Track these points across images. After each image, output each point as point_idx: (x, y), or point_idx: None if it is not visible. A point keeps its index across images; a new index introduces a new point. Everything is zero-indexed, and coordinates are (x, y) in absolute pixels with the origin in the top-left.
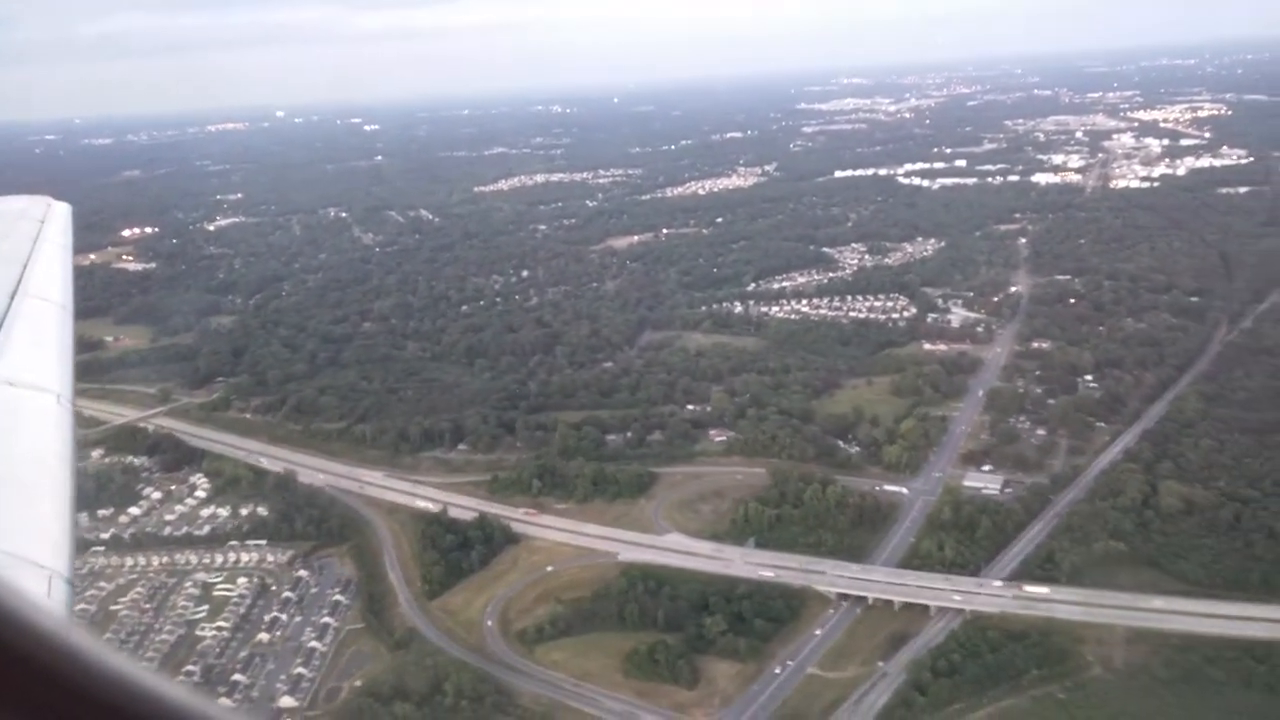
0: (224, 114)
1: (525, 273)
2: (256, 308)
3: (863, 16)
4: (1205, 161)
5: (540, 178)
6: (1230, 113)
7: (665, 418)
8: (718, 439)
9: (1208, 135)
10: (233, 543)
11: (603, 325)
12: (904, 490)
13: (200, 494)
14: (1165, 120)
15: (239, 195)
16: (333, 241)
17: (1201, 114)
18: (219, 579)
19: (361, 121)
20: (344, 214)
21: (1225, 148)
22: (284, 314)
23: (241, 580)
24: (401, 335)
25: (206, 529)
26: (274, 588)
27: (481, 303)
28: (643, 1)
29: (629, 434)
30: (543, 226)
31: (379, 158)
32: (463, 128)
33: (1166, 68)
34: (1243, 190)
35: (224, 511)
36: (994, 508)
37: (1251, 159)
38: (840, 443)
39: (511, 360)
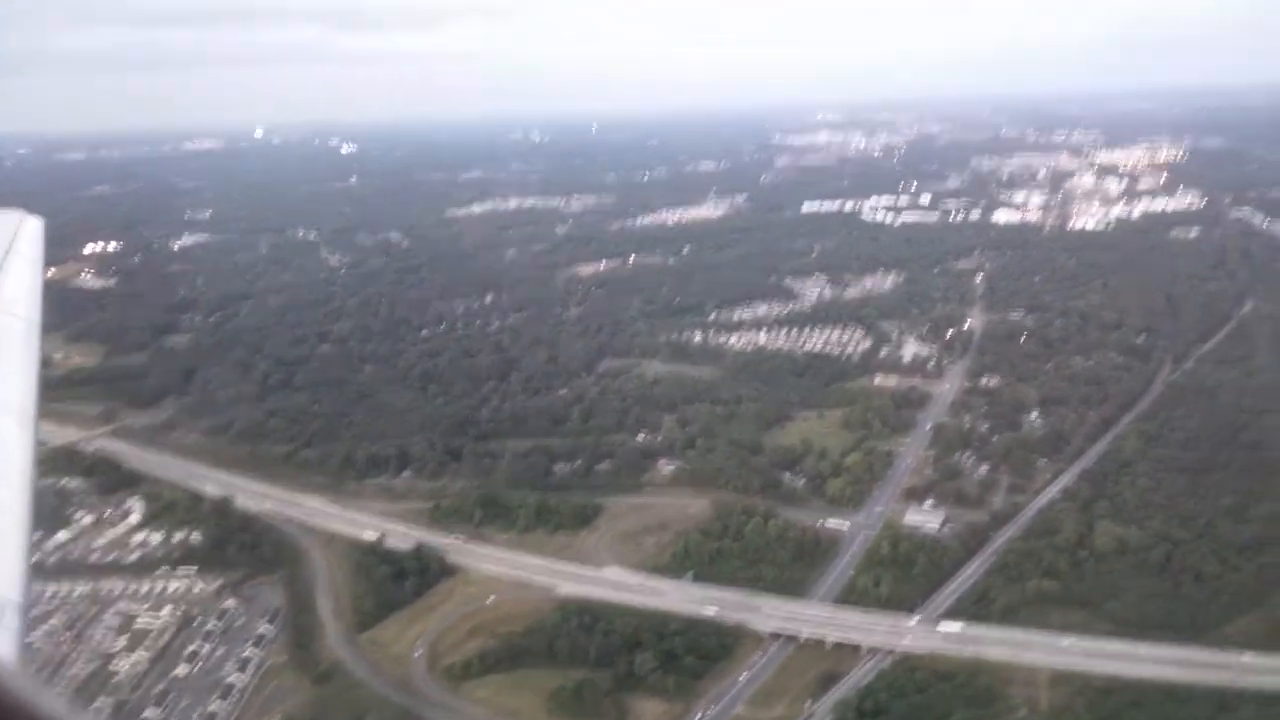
0: (201, 132)
1: (489, 297)
2: (214, 327)
3: (841, 55)
4: (1160, 204)
5: (513, 203)
6: (1187, 157)
7: (615, 447)
8: (666, 469)
9: (1163, 178)
10: (162, 570)
11: (561, 352)
12: (846, 524)
13: (134, 519)
14: (1125, 162)
15: (208, 213)
16: (299, 262)
17: (1159, 157)
18: (142, 609)
19: (340, 142)
20: (313, 235)
21: (1179, 190)
22: (241, 334)
23: (166, 610)
24: (358, 358)
25: (136, 556)
26: (199, 618)
27: (442, 327)
28: (626, 33)
29: (577, 463)
30: (511, 251)
31: (354, 179)
32: (440, 151)
33: (1130, 112)
34: (1193, 233)
35: (156, 537)
36: (932, 544)
37: (1204, 202)
38: (787, 475)
39: (466, 386)
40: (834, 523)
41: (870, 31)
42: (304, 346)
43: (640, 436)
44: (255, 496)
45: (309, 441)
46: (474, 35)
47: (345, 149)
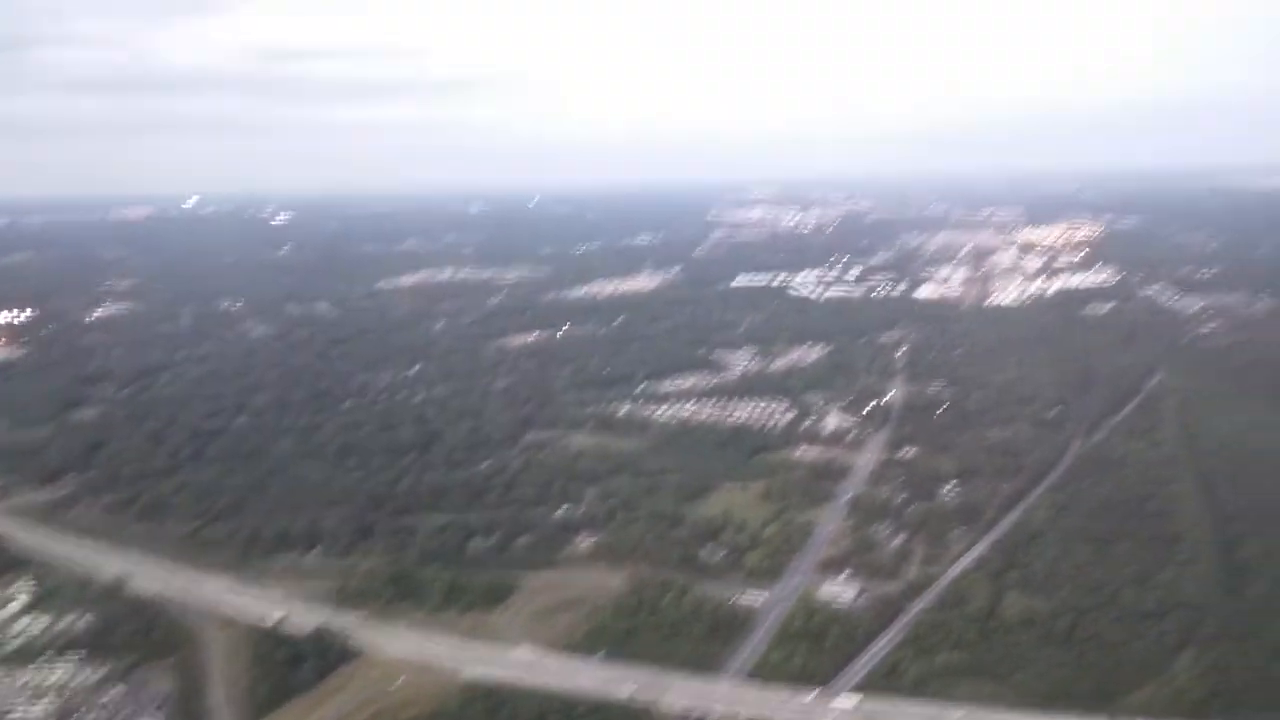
0: (131, 200)
1: (415, 368)
2: (126, 400)
3: (779, 133)
4: (1076, 280)
5: (446, 274)
6: (1103, 236)
7: (533, 521)
8: (585, 543)
9: (1080, 256)
10: (44, 659)
11: (485, 424)
12: (762, 597)
13: (18, 604)
14: (1044, 240)
15: (131, 283)
16: (221, 333)
17: (1077, 236)
18: (18, 701)
19: (274, 212)
20: (239, 305)
21: (1094, 267)
22: (155, 407)
23: (44, 702)
24: (276, 431)
25: (18, 643)
26: (80, 710)
27: (365, 399)
28: (570, 108)
29: (494, 538)
30: (441, 322)
31: (286, 249)
32: (378, 222)
33: (1052, 191)
34: (1106, 308)
35: (41, 623)
36: (845, 617)
37: (1117, 279)
38: (706, 548)
39: (385, 459)
40: (750, 596)
41: (807, 110)
42: (219, 419)
43: (561, 510)
44: (154, 577)
45: (216, 518)
46: (417, 108)
47: (279, 219)
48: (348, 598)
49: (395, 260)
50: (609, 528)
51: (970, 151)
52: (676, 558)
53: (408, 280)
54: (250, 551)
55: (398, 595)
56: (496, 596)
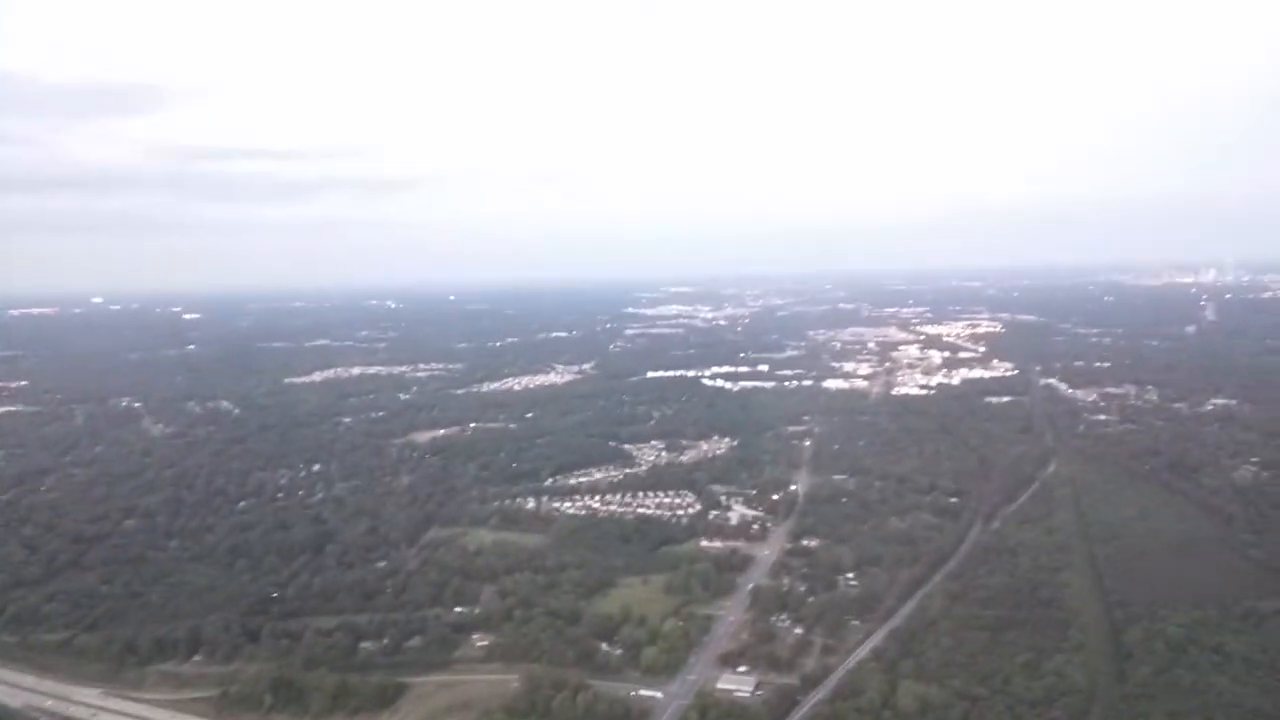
0: (35, 299)
1: (317, 466)
2: (6, 505)
3: (697, 231)
4: (977, 373)
5: (357, 370)
6: (1004, 330)
7: (427, 622)
8: (480, 644)
9: (982, 349)
10: None
11: (384, 522)
12: (659, 695)
13: None
14: (948, 335)
15: (23, 383)
16: (116, 433)
17: (979, 330)
18: None
19: (182, 310)
20: (137, 404)
21: (995, 361)
22: (35, 511)
23: None
24: (164, 534)
25: None
26: None
27: (262, 498)
28: (491, 206)
29: (385, 640)
30: (347, 419)
31: (191, 347)
32: (290, 320)
33: (956, 288)
34: (1005, 399)
35: None
36: (741, 712)
37: (1016, 371)
38: (604, 645)
39: (276, 560)
40: (647, 693)
41: (724, 209)
42: (104, 523)
43: (458, 609)
44: (18, 690)
45: (91, 626)
46: (339, 207)
47: (189, 316)
48: (229, 705)
49: (305, 357)
50: (504, 627)
51: (882, 250)
52: (573, 656)
53: (316, 377)
54: (126, 660)
55: (281, 701)
56: (385, 700)
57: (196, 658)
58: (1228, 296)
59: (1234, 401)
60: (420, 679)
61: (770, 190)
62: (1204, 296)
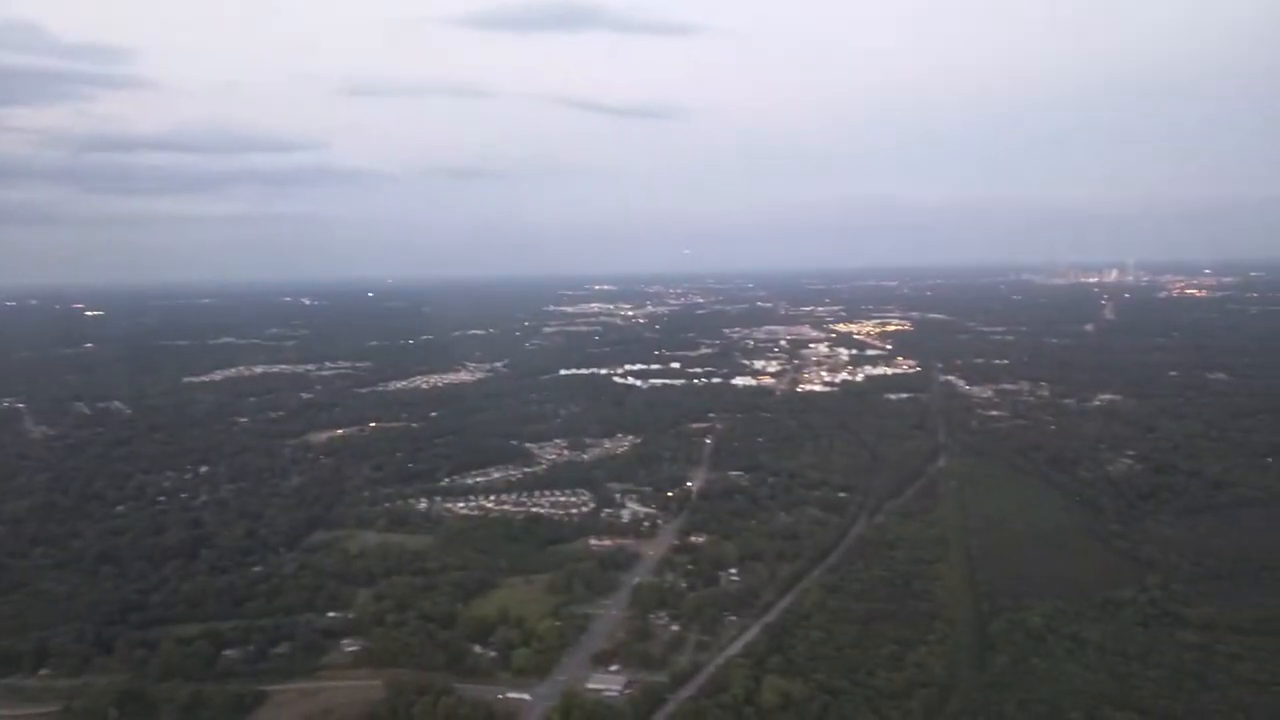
0: None
1: (204, 468)
2: None
3: (623, 228)
4: (881, 370)
5: (260, 369)
6: (912, 328)
7: (297, 627)
8: (349, 649)
9: (889, 347)
10: None
11: (267, 525)
12: (527, 697)
13: None
14: (859, 333)
15: None
16: None
17: (889, 328)
18: None
19: (85, 307)
20: (20, 405)
21: (900, 358)
22: None
23: None
24: (30, 540)
25: None
26: None
27: (141, 502)
28: (417, 199)
29: (250, 648)
30: (244, 419)
31: (89, 345)
32: (197, 316)
33: (874, 287)
34: (904, 396)
35: None
36: (606, 711)
37: (918, 368)
38: (478, 647)
39: (145, 566)
40: (515, 695)
41: (651, 208)
42: None
43: (330, 614)
44: None
45: None
46: (254, 201)
47: (91, 313)
48: None
49: (208, 355)
50: (375, 632)
51: (808, 251)
52: (443, 660)
53: (217, 376)
54: None
55: (128, 715)
56: (241, 709)
57: (44, 671)
58: (1127, 296)
59: (1119, 397)
60: (281, 686)
61: (702, 192)
62: (1104, 296)
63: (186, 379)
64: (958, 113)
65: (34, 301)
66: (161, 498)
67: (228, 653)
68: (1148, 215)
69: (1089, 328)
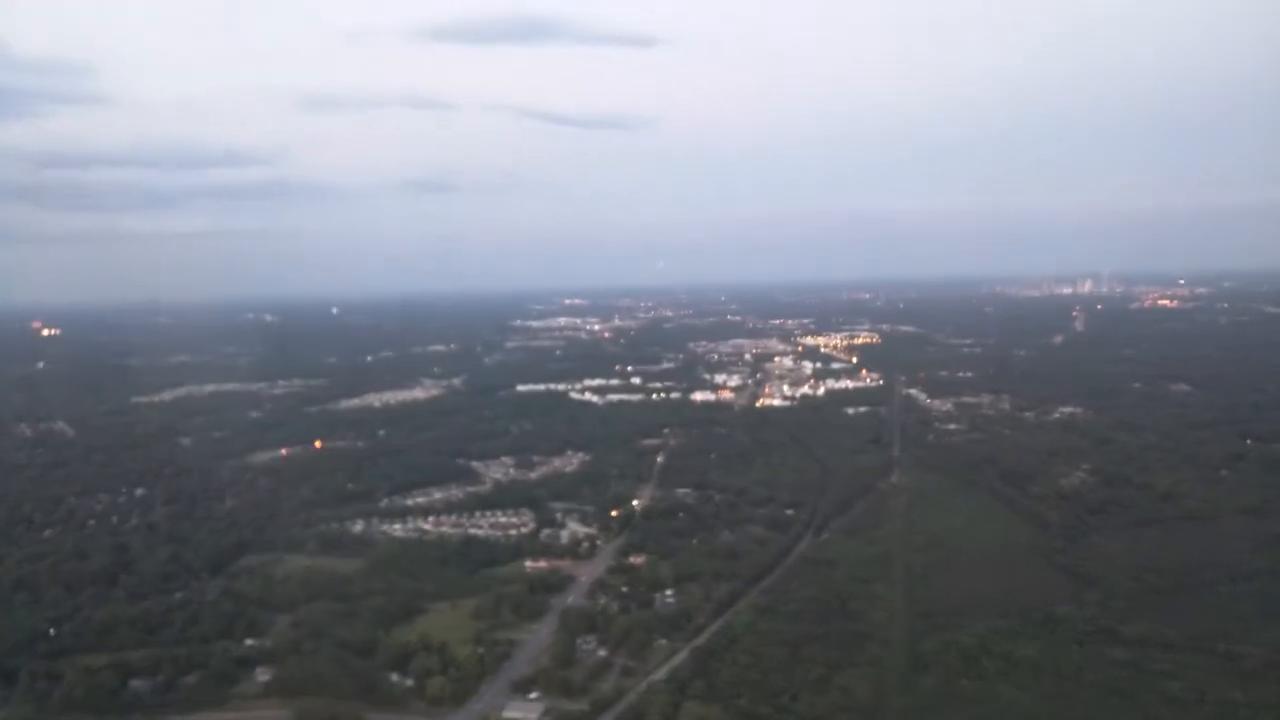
0: None
1: (140, 491)
2: None
3: (594, 242)
4: (843, 383)
5: (211, 387)
6: (880, 341)
7: (211, 656)
8: (262, 678)
9: (855, 360)
10: None
11: (193, 549)
12: None
13: None
14: (825, 346)
15: None
16: None
17: (857, 341)
18: None
19: (42, 325)
20: None
21: (864, 371)
22: None
23: None
24: None
25: None
26: None
27: (68, 526)
28: (373, 213)
29: (160, 678)
30: (187, 440)
31: (40, 364)
32: (154, 335)
33: (847, 300)
34: (863, 409)
35: None
36: None
37: (881, 382)
38: (395, 675)
39: (61, 593)
40: None
41: (622, 217)
42: None
43: (248, 642)
44: None
45: None
46: (215, 213)
47: (47, 332)
48: None
49: (160, 374)
50: (291, 660)
51: (782, 264)
52: (355, 689)
53: (166, 395)
54: None
55: None
56: None
57: None
58: (1099, 307)
59: (1080, 409)
60: (187, 718)
61: (673, 205)
62: (1076, 307)
63: (135, 399)
64: (934, 125)
65: None
66: (91, 521)
67: (135, 683)
68: (1127, 226)
69: (1058, 339)
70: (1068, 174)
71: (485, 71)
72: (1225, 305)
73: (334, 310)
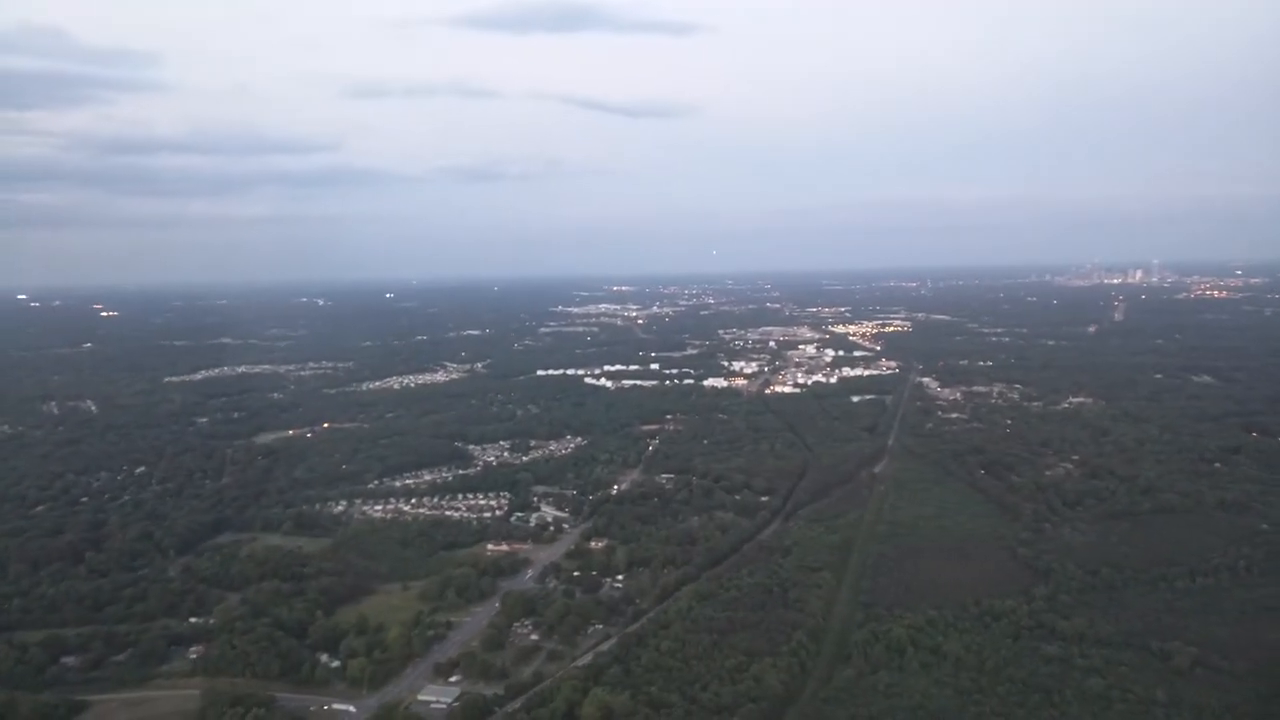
0: None
1: (141, 469)
2: None
3: (646, 229)
4: (859, 371)
5: (242, 369)
6: (910, 329)
7: (149, 634)
8: (193, 656)
9: (878, 348)
10: None
11: (171, 527)
12: (351, 709)
13: None
14: (854, 333)
15: None
16: None
17: (887, 329)
18: None
19: (103, 308)
20: None
21: (884, 359)
22: None
23: None
24: None
25: None
26: None
27: (61, 503)
28: (427, 199)
29: (90, 655)
30: (203, 420)
31: (88, 345)
32: (210, 317)
33: (892, 288)
34: (870, 397)
35: None
36: None
37: (898, 370)
38: (324, 656)
39: (25, 569)
40: (340, 707)
41: (674, 204)
42: None
43: (191, 620)
44: None
45: None
46: (276, 199)
47: (106, 314)
48: None
49: (199, 355)
50: (221, 639)
51: (842, 251)
52: (278, 669)
53: (198, 376)
54: None
55: None
56: None
57: None
58: (1143, 297)
59: (1090, 400)
60: (107, 696)
61: (726, 192)
62: (1119, 297)
63: (167, 378)
64: (992, 112)
65: (57, 302)
66: (84, 498)
67: (66, 660)
68: (1188, 215)
69: (1092, 329)
70: (1129, 161)
71: (526, 60)
72: (1276, 296)
73: (388, 295)
